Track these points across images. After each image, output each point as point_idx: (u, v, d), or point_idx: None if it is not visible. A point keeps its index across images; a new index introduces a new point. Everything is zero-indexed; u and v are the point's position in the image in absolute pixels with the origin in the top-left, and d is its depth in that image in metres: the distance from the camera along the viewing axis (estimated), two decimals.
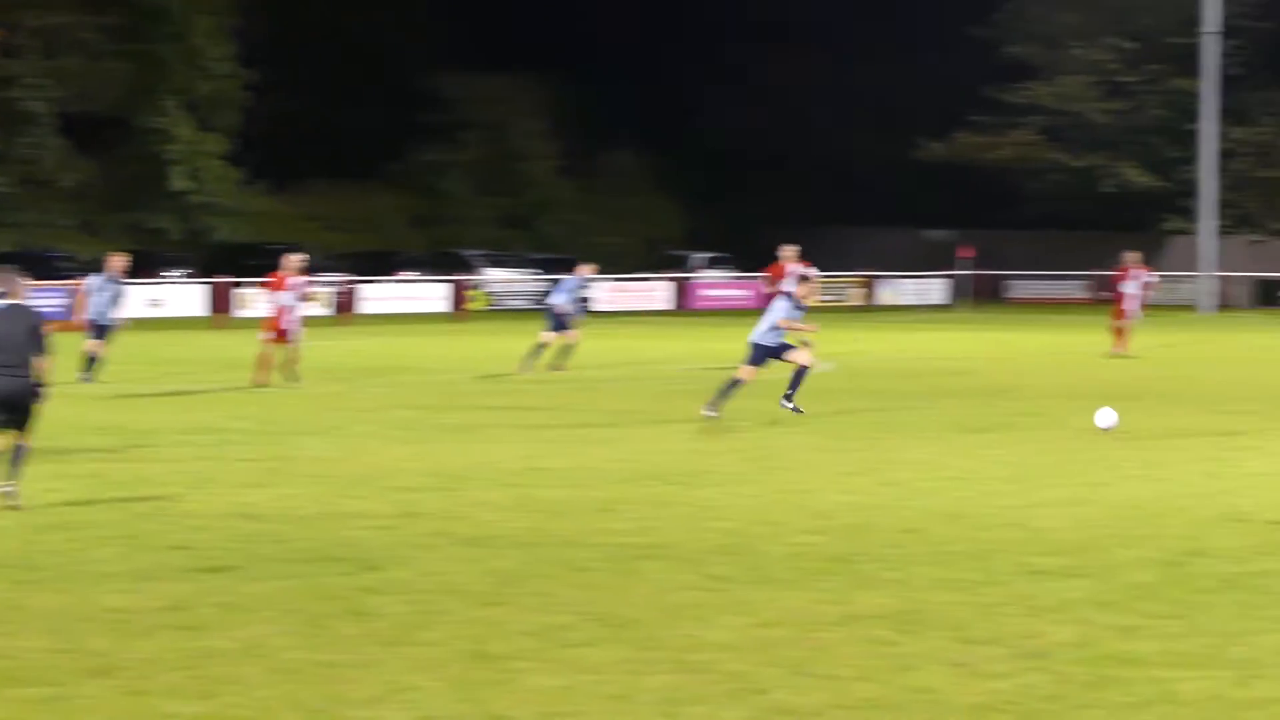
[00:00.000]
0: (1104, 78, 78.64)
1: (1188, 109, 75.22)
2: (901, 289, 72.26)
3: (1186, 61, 75.70)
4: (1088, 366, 36.25)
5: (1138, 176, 77.52)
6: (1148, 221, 78.67)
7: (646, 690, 9.80)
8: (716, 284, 71.38)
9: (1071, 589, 12.65)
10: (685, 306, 68.13)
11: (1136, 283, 41.03)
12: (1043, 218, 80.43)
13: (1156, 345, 44.56)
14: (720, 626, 11.39)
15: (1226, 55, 73.22)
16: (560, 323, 35.01)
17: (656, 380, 32.54)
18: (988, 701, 9.70)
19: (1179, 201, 77.55)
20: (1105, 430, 22.62)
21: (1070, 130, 79.33)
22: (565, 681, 9.97)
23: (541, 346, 34.35)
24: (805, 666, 10.38)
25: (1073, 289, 75.52)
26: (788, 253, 36.53)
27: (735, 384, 24.21)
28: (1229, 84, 74.89)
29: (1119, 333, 40.47)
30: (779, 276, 35.53)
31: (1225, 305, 69.82)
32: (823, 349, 40.96)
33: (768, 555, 13.96)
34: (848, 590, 12.64)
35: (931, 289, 72.67)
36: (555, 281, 41.60)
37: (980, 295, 71.49)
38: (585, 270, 37.30)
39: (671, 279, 70.40)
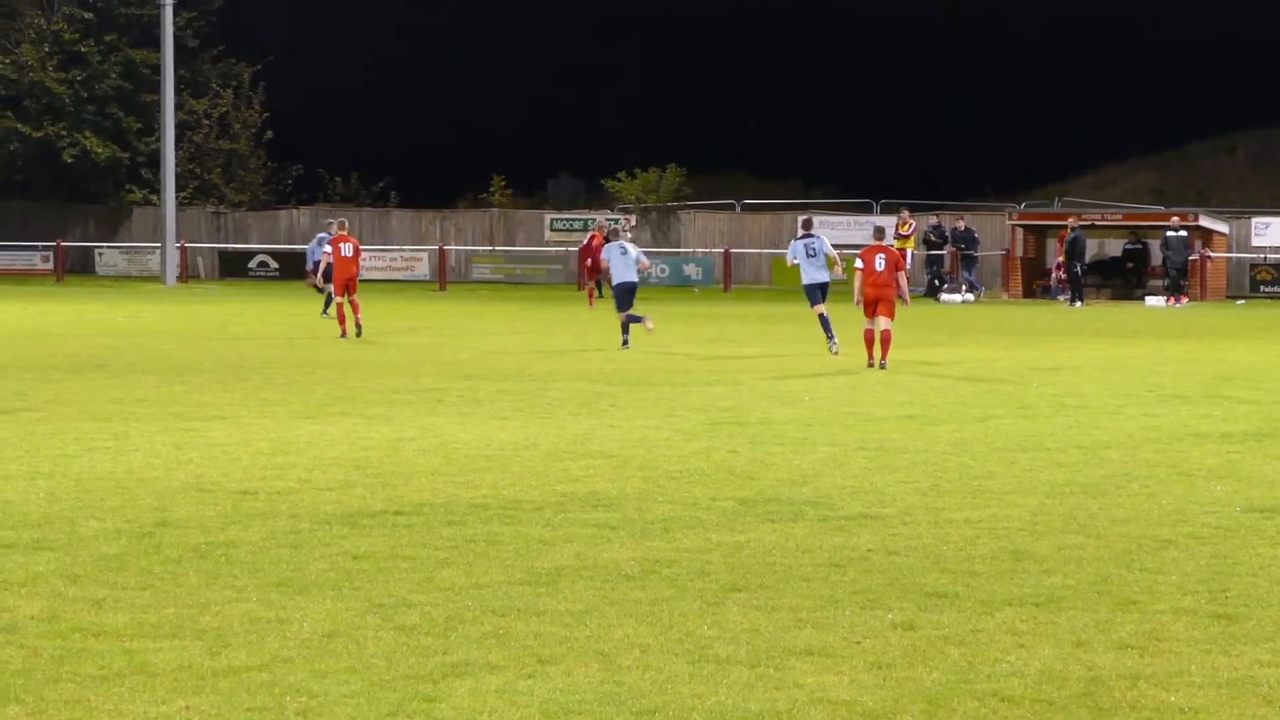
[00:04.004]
0: (62, 48, 77.84)
1: (147, 80, 76.03)
2: None
3: (143, 32, 76.72)
4: (57, 338, 35.83)
5: (99, 147, 77.14)
6: (111, 192, 78.53)
7: None
8: None
9: (40, 562, 12.56)
10: None
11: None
12: (8, 187, 78.82)
13: (124, 316, 44.69)
14: None
15: (182, 27, 74.68)
16: None
17: None
18: None
19: (143, 172, 77.86)
20: None
21: (29, 100, 78.04)
22: None
23: None
24: None
25: (36, 259, 74.27)
26: None
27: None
28: (187, 56, 76.16)
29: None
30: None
31: (190, 276, 70.55)
32: None
33: None
34: None
35: None
36: None
37: None
38: None
39: None
